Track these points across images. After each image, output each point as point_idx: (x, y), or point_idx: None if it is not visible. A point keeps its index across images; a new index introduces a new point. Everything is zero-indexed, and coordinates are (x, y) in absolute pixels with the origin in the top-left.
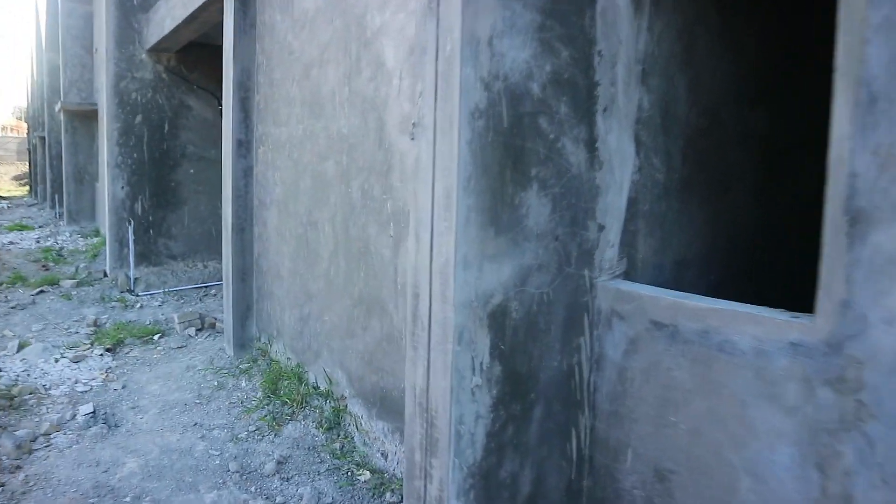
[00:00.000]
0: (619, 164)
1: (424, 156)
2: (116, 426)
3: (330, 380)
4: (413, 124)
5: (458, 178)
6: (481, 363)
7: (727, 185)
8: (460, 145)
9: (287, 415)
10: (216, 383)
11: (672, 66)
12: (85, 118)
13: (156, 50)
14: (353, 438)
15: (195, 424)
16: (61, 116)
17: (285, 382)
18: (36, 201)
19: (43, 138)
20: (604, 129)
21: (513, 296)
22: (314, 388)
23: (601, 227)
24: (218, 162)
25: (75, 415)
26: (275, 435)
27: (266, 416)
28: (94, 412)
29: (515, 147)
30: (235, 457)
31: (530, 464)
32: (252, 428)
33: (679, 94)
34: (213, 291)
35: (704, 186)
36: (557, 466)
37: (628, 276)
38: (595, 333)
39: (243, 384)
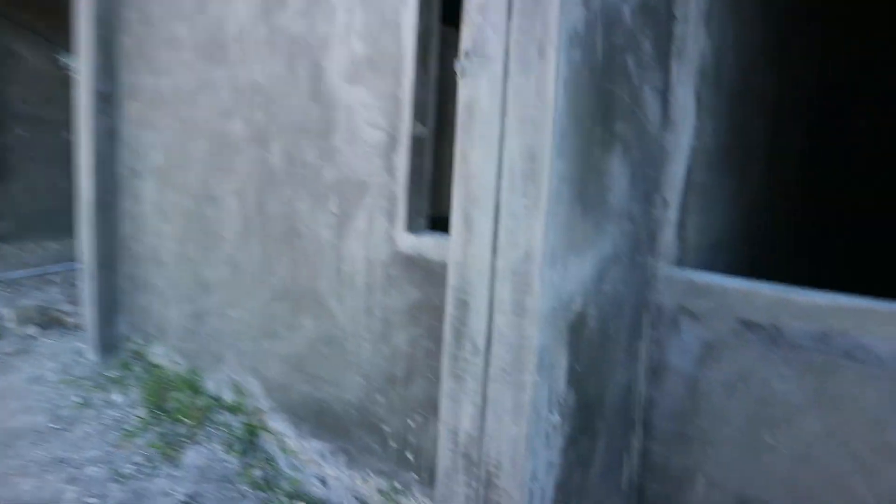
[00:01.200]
0: (683, 125)
1: (485, 101)
2: None
3: (239, 390)
4: (464, 54)
5: (552, 133)
6: (558, 395)
7: (769, 154)
8: (556, 85)
9: (184, 437)
10: (79, 399)
11: (725, 10)
12: None
13: None
14: (276, 462)
15: (58, 461)
16: None
17: (175, 394)
18: None
19: None
20: (676, 79)
21: (591, 298)
22: (215, 399)
23: (665, 204)
24: (58, 124)
25: None
26: (172, 465)
27: (156, 440)
28: None
29: (605, 93)
30: (124, 503)
31: None
32: (139, 459)
33: (728, 46)
34: (55, 279)
35: (744, 155)
36: None
37: (680, 262)
38: (654, 337)
39: (116, 398)
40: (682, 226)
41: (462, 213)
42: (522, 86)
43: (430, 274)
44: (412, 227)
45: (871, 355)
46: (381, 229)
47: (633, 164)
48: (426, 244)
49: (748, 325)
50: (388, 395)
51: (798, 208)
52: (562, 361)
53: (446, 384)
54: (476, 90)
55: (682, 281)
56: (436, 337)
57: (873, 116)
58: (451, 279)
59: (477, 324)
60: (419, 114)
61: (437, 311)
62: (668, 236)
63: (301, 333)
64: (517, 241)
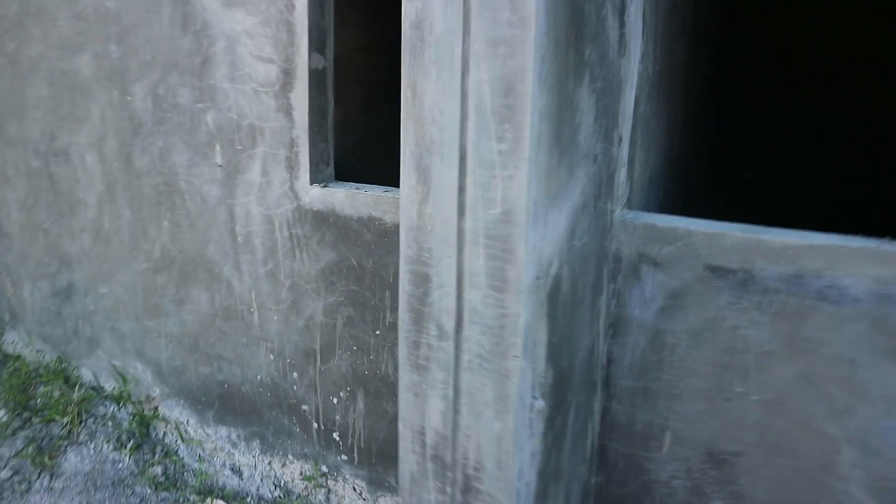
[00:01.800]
0: (634, 48)
1: (440, 16)
2: None
3: (123, 377)
4: None
5: (533, 58)
6: (539, 375)
7: (686, 82)
8: None
9: (60, 438)
10: None
11: None
12: None
13: None
14: (178, 455)
15: None
16: None
17: (43, 388)
18: None
19: None
20: None
21: (565, 258)
22: (95, 390)
23: (620, 140)
24: None
25: None
26: (50, 476)
27: (24, 447)
28: None
29: (577, 8)
30: None
31: (563, 488)
32: (7, 474)
33: None
34: None
35: (672, 83)
36: (578, 475)
37: (630, 204)
38: (613, 289)
39: None
40: (631, 163)
41: (415, 164)
42: None
43: (344, 231)
44: (318, 177)
45: (846, 295)
46: (280, 182)
47: (598, 96)
48: (338, 197)
49: (716, 270)
50: (306, 371)
51: (711, 140)
52: (542, 337)
53: (406, 376)
54: (428, 3)
55: (641, 226)
56: (357, 303)
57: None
58: (405, 248)
59: (443, 302)
60: (317, 42)
61: (357, 274)
62: (622, 176)
63: (193, 308)
64: (492, 197)
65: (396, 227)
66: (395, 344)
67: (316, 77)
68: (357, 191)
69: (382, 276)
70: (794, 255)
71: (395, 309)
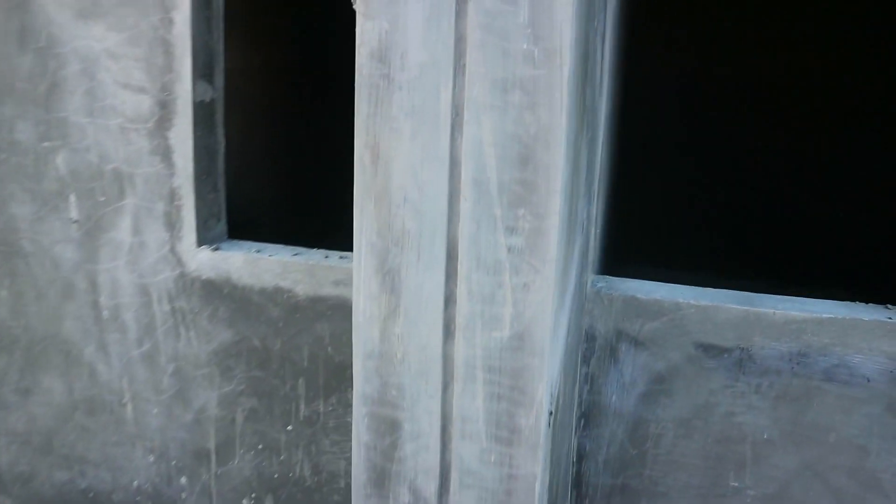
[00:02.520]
0: (605, 85)
1: (418, 44)
2: None
3: None
4: None
5: (565, 108)
6: None
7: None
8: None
9: None
10: None
11: None
12: None
13: None
14: None
15: None
16: None
17: None
18: None
19: None
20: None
21: (561, 371)
22: None
23: (596, 195)
24: None
25: None
26: None
27: None
28: None
29: (586, 36)
30: None
31: None
32: None
33: None
34: None
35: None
36: None
37: (593, 269)
38: (585, 373)
39: None
40: (597, 220)
41: (376, 263)
42: (501, 13)
43: (243, 305)
44: (207, 237)
45: (856, 374)
46: (157, 243)
47: (589, 148)
48: (234, 263)
49: (709, 349)
50: (197, 475)
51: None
52: (545, 492)
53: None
54: (397, 24)
55: (619, 298)
56: (262, 392)
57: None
58: (361, 382)
59: (419, 458)
60: (203, 67)
61: (261, 357)
62: (592, 238)
63: (44, 400)
64: (498, 314)
65: (311, 300)
66: (311, 441)
67: (202, 111)
68: (259, 254)
69: (294, 361)
70: (798, 330)
71: (310, 400)
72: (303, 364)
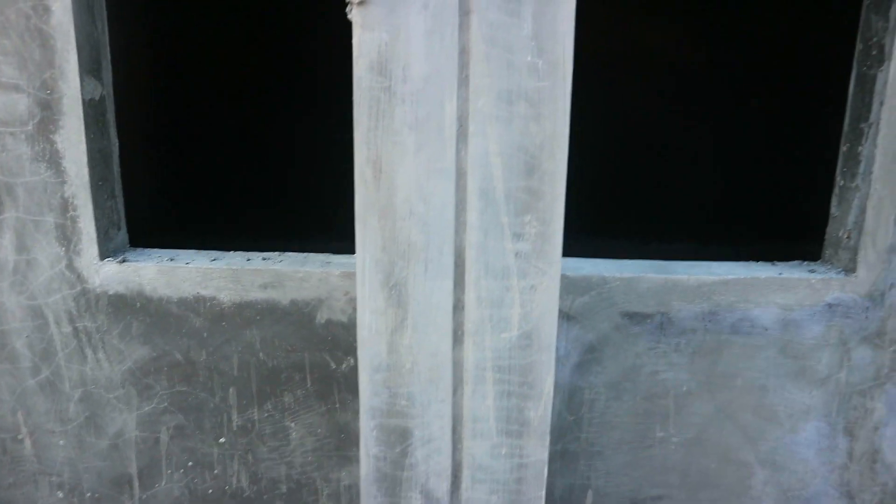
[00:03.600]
0: None
1: (421, 55)
2: None
3: None
4: None
5: (567, 118)
6: None
7: None
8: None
9: None
10: None
11: None
12: None
13: None
14: None
15: None
16: None
17: None
18: None
19: None
20: None
21: None
22: None
23: None
24: None
25: None
26: None
27: None
28: None
29: None
30: None
31: None
32: None
33: None
34: None
35: None
36: None
37: None
38: None
39: None
40: None
41: (381, 279)
42: (505, 25)
43: (161, 319)
44: (110, 248)
45: (757, 326)
46: (50, 260)
47: None
48: (146, 274)
49: (633, 316)
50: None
51: None
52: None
53: None
54: (398, 36)
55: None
56: (188, 407)
57: None
58: (368, 396)
59: (431, 461)
60: (90, 62)
61: (185, 371)
62: None
63: None
64: (506, 316)
65: (237, 306)
66: (247, 451)
67: (93, 111)
68: (173, 263)
69: (223, 371)
70: (709, 292)
71: (243, 409)
72: (232, 373)
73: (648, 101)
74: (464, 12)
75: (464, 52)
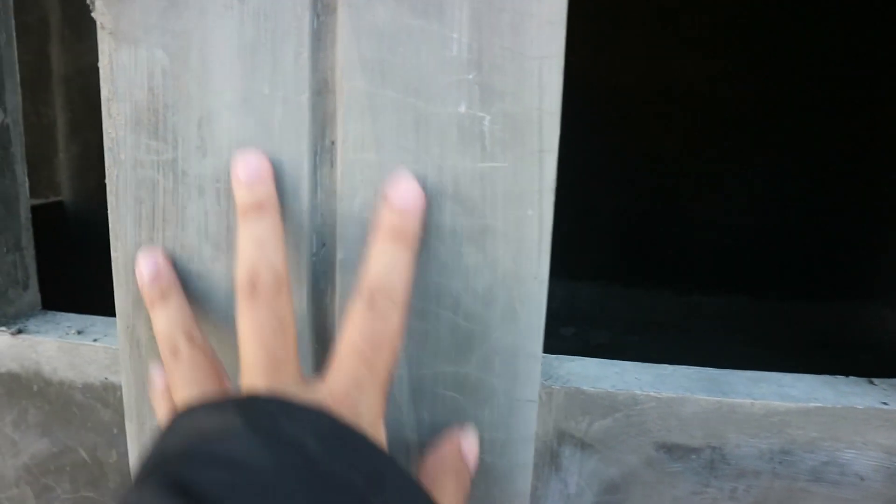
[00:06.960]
0: None
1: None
2: None
3: None
4: None
5: None
6: None
7: None
8: None
9: None
10: None
11: None
12: None
13: None
14: None
15: None
16: None
17: None
18: None
19: None
20: None
21: None
22: None
23: None
24: None
25: None
26: None
27: None
28: None
29: None
30: None
31: None
32: None
33: None
34: None
35: None
36: None
37: None
38: None
39: None
40: None
41: None
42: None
43: (63, 407)
44: (8, 313)
45: (848, 473)
46: None
47: None
48: (45, 351)
49: (673, 449)
50: None
51: None
52: None
53: None
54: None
55: (562, 392)
56: None
57: None
58: None
59: None
60: None
61: (92, 474)
62: None
63: None
64: None
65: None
66: None
67: None
68: (79, 338)
69: None
70: (780, 423)
71: None
72: None
73: (692, 138)
74: None
75: None
